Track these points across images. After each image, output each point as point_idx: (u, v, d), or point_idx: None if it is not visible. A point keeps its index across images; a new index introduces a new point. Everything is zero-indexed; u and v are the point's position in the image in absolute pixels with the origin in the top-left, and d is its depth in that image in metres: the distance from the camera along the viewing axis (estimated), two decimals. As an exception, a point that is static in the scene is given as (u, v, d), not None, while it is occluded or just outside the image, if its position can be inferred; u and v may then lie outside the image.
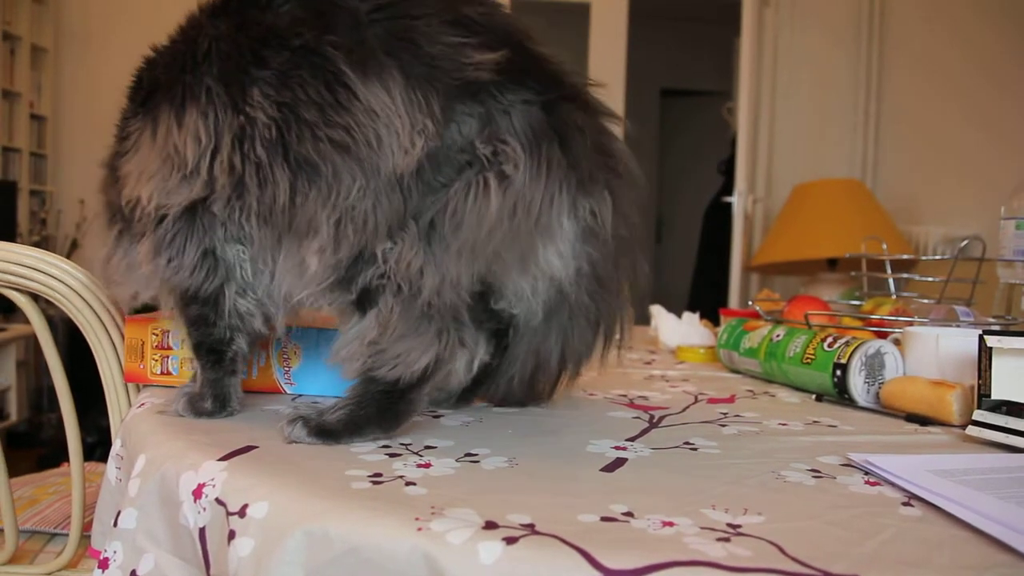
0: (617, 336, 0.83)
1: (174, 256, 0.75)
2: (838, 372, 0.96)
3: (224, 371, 0.79)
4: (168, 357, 0.90)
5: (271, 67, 0.69)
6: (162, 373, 0.90)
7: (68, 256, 2.60)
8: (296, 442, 0.70)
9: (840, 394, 0.97)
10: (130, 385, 0.95)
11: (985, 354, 0.80)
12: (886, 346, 0.97)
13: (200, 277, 0.75)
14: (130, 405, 0.93)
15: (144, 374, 0.90)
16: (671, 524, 0.53)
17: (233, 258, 0.75)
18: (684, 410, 0.91)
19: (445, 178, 0.67)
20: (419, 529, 0.50)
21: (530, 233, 0.68)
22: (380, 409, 0.71)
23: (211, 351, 0.79)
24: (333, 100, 0.67)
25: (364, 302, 0.70)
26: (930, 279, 1.36)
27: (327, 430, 0.70)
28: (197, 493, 0.61)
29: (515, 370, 0.80)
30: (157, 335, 0.89)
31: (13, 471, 1.02)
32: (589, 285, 0.75)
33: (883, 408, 0.93)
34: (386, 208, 0.66)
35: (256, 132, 0.69)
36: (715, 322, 1.45)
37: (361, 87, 0.66)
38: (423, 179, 0.67)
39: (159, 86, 0.76)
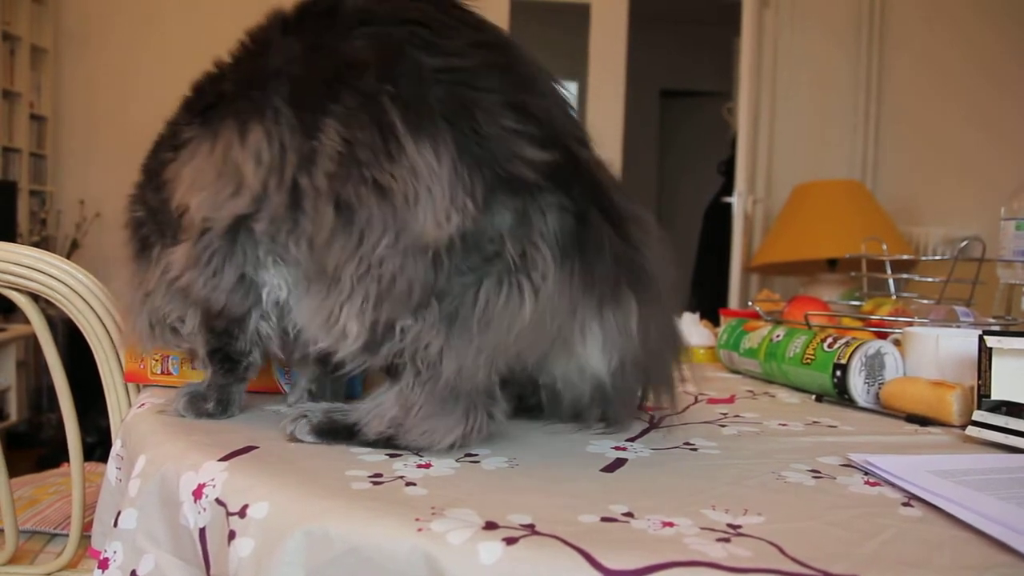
0: (663, 404, 0.82)
1: (211, 276, 0.75)
2: (838, 372, 0.96)
3: (235, 378, 0.80)
4: (168, 357, 0.90)
5: (342, 102, 0.67)
6: (162, 373, 0.90)
7: (68, 256, 2.60)
8: (298, 440, 0.70)
9: (840, 394, 0.97)
10: (130, 385, 0.95)
11: (985, 355, 0.80)
12: (886, 346, 0.97)
13: (235, 299, 0.75)
14: (130, 405, 0.93)
15: (144, 374, 0.90)
16: (671, 524, 0.53)
17: (264, 283, 0.75)
18: (684, 410, 0.91)
19: (472, 264, 0.65)
20: (419, 529, 0.50)
21: (553, 341, 0.68)
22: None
23: (227, 359, 0.79)
24: (384, 148, 0.65)
25: (391, 374, 0.69)
26: (930, 280, 1.36)
27: (330, 430, 0.70)
28: (197, 493, 0.61)
29: (551, 417, 0.80)
30: None
31: (13, 471, 1.02)
32: (632, 374, 0.74)
33: (883, 408, 0.93)
34: (411, 274, 0.65)
35: (322, 162, 0.68)
36: (715, 322, 1.45)
37: (411, 143, 0.64)
38: (452, 259, 0.65)
39: (223, 99, 0.75)
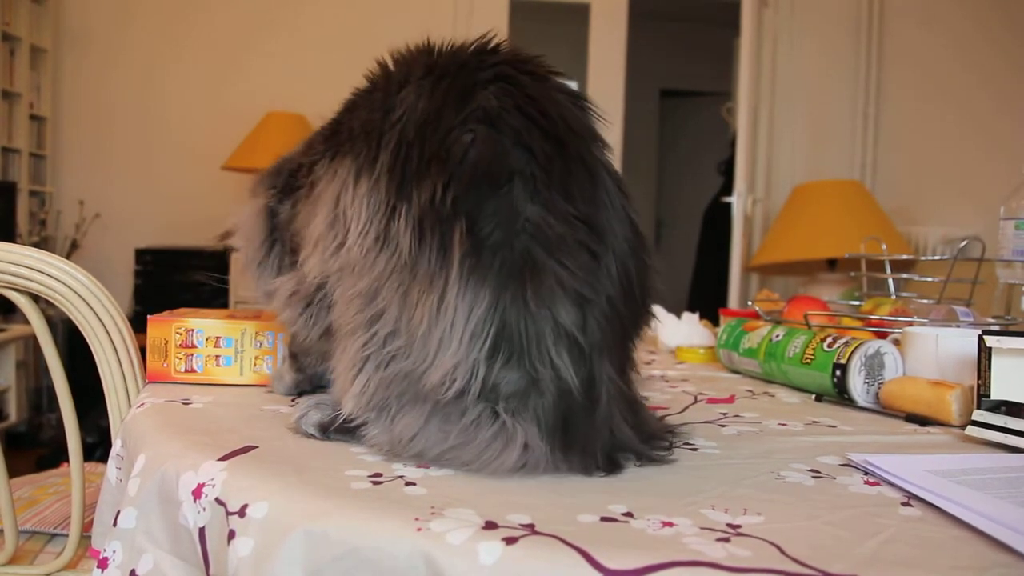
0: None
1: (302, 329, 0.78)
2: (838, 372, 0.96)
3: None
4: (192, 355, 0.90)
5: (421, 192, 0.64)
6: (186, 371, 0.90)
7: (67, 257, 2.59)
8: (302, 431, 0.71)
9: (840, 394, 0.97)
10: (130, 385, 0.95)
11: (984, 354, 0.80)
12: (885, 346, 0.97)
13: (320, 342, 0.77)
14: (130, 405, 0.93)
15: (168, 372, 0.91)
16: (671, 524, 0.53)
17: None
18: (684, 410, 0.91)
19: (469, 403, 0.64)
20: (419, 529, 0.50)
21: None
22: None
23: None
24: (431, 276, 0.62)
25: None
26: (929, 279, 1.36)
27: (332, 427, 0.71)
28: (197, 493, 0.61)
29: None
30: (180, 334, 0.90)
31: (12, 472, 1.02)
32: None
33: (883, 408, 0.93)
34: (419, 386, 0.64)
35: (393, 258, 0.64)
36: (715, 322, 1.45)
37: (454, 288, 0.61)
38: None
39: (351, 136, 0.72)
